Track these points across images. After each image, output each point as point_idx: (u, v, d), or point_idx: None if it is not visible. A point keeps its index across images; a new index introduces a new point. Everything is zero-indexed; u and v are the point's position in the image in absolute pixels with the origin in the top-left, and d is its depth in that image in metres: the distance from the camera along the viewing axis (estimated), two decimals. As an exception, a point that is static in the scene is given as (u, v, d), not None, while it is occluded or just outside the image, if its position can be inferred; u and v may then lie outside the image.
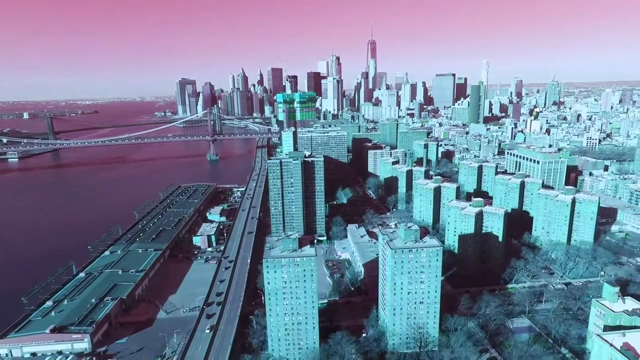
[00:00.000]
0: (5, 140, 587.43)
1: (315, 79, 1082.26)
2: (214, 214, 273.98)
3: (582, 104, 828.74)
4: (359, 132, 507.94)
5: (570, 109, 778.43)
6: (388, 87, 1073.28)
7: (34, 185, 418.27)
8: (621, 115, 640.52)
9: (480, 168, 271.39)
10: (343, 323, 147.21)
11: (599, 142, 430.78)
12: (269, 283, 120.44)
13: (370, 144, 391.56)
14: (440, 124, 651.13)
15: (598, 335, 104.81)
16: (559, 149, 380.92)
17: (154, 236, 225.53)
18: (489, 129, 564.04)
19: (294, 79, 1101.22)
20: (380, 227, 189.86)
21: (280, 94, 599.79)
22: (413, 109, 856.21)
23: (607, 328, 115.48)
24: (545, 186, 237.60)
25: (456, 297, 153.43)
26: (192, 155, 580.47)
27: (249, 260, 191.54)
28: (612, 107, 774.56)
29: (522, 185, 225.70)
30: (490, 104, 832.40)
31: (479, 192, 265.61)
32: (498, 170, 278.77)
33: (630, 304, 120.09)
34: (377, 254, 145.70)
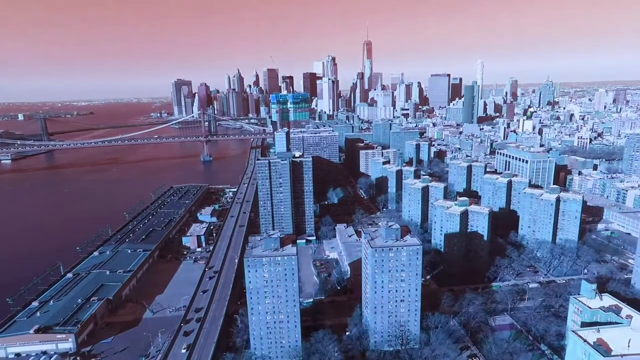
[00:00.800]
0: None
1: (311, 80, 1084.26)
2: (205, 215, 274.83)
3: (575, 104, 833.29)
4: (352, 132, 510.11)
5: (564, 108, 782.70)
6: (384, 88, 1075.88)
7: (26, 186, 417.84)
8: (614, 114, 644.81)
9: (469, 168, 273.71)
10: (327, 322, 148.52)
11: (590, 142, 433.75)
12: (250, 282, 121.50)
13: (362, 144, 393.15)
14: (434, 124, 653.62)
15: (573, 331, 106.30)
16: (549, 149, 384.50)
17: (143, 237, 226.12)
18: (482, 128, 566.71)
19: (289, 80, 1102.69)
20: (370, 226, 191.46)
21: (273, 95, 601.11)
22: (408, 109, 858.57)
23: (584, 324, 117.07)
24: (533, 185, 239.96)
25: (441, 295, 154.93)
26: (186, 156, 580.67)
27: (236, 260, 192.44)
28: (605, 107, 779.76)
29: (510, 185, 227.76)
30: (485, 104, 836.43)
31: (469, 192, 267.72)
32: (488, 169, 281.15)
33: (607, 300, 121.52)
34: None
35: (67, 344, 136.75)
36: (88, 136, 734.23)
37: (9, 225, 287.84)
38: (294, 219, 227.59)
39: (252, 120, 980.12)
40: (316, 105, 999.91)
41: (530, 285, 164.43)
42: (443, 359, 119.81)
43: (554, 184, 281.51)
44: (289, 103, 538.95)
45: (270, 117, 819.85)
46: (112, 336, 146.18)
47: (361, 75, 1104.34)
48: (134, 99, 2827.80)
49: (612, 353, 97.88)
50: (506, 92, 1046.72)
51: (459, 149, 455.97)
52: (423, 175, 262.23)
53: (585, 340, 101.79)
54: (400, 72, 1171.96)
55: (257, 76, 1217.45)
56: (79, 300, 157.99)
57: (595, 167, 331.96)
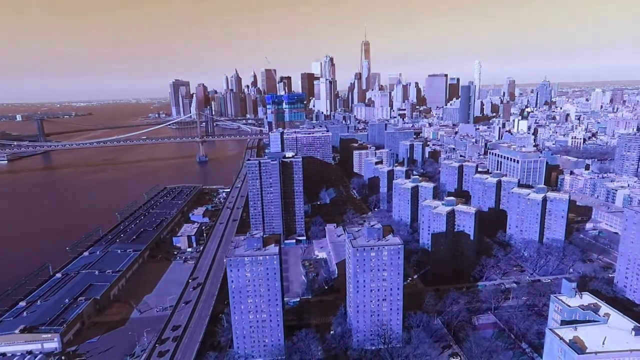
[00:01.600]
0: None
1: (309, 80, 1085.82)
2: (197, 215, 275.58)
3: (572, 104, 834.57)
4: (348, 132, 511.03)
5: (560, 108, 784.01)
6: (381, 88, 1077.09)
7: (20, 187, 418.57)
8: (609, 115, 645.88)
9: (460, 168, 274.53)
10: (313, 321, 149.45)
11: (584, 142, 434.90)
12: (232, 281, 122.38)
13: (356, 145, 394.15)
14: (430, 124, 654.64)
15: (550, 329, 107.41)
16: (542, 149, 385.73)
17: (134, 237, 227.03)
18: (478, 129, 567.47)
19: (287, 80, 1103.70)
20: (360, 226, 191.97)
21: (268, 95, 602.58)
22: (405, 110, 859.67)
23: (564, 323, 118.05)
24: (523, 185, 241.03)
25: (425, 295, 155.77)
26: (182, 156, 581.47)
27: (225, 260, 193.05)
28: (601, 107, 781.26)
29: (499, 185, 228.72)
30: (482, 104, 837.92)
31: (460, 192, 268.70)
32: (480, 170, 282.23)
33: (587, 299, 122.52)
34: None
35: (53, 344, 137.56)
36: (85, 137, 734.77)
37: (1, 226, 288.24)
38: (284, 219, 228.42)
39: (250, 121, 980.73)
40: (313, 106, 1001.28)
41: (507, 286, 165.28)
42: (424, 357, 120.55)
43: (545, 184, 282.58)
44: (284, 103, 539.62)
45: (267, 117, 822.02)
46: (99, 336, 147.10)
47: (359, 76, 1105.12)
48: (133, 99, 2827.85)
49: (587, 350, 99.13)
50: (503, 92, 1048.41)
51: (454, 149, 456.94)
52: (415, 175, 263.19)
53: (561, 338, 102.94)
54: (398, 73, 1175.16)
55: (255, 77, 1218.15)
56: (67, 300, 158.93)
57: (587, 167, 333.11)
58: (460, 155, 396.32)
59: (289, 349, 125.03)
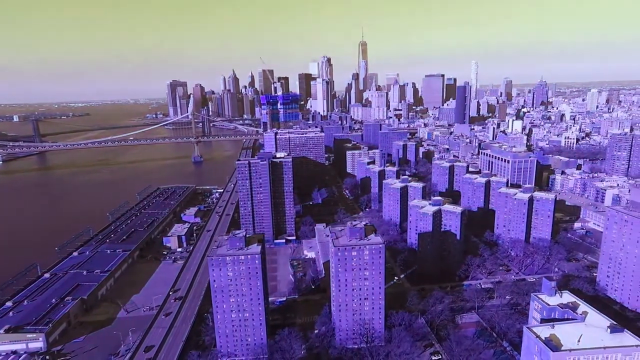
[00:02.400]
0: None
1: (306, 81, 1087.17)
2: (189, 215, 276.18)
3: (568, 104, 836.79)
4: (343, 132, 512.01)
5: (556, 109, 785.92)
6: (379, 88, 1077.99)
7: (14, 188, 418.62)
8: (605, 115, 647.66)
9: (452, 168, 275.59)
10: (298, 320, 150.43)
11: (577, 142, 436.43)
12: (214, 281, 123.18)
13: (349, 145, 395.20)
14: (426, 125, 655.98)
15: (527, 327, 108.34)
16: (535, 149, 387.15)
17: (124, 237, 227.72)
18: (473, 129, 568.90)
19: (285, 81, 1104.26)
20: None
21: (263, 96, 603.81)
22: (401, 110, 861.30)
23: (543, 321, 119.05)
24: (513, 185, 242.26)
25: (408, 294, 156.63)
26: (178, 157, 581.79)
27: (207, 259, 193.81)
28: (597, 107, 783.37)
29: (488, 184, 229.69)
30: (479, 105, 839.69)
31: (451, 192, 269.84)
32: (470, 169, 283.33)
33: (567, 297, 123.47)
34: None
35: (38, 344, 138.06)
36: (81, 137, 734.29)
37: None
38: (274, 219, 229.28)
39: (247, 121, 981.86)
40: (310, 106, 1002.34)
41: (483, 286, 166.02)
42: (405, 356, 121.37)
43: (536, 184, 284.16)
44: (278, 104, 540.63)
45: (263, 117, 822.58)
46: (84, 335, 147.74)
47: (356, 76, 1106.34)
48: (131, 100, 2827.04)
49: (562, 348, 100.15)
50: (501, 93, 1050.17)
51: (448, 149, 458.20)
52: (406, 175, 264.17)
53: (537, 336, 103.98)
54: (395, 73, 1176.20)
55: (252, 77, 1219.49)
56: (53, 300, 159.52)
57: (579, 167, 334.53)
58: (454, 156, 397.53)
59: (271, 347, 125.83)
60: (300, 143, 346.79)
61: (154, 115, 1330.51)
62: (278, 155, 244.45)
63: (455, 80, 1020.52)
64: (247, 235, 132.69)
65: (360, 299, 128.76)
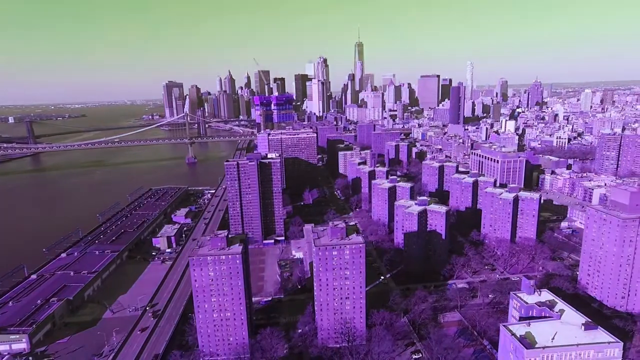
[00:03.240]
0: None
1: (302, 81, 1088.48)
2: (180, 216, 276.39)
3: (562, 104, 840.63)
4: (337, 133, 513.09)
5: (550, 109, 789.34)
6: (374, 89, 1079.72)
7: (6, 188, 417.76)
8: (598, 115, 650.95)
9: (441, 168, 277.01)
10: (282, 320, 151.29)
11: (569, 142, 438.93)
12: (196, 280, 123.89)
13: (342, 145, 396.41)
14: (420, 125, 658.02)
15: (504, 325, 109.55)
16: (525, 149, 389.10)
17: (113, 238, 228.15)
18: (467, 129, 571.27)
19: (281, 81, 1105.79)
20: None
21: (257, 97, 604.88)
22: (396, 110, 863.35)
23: (522, 319, 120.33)
24: (501, 185, 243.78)
25: (391, 293, 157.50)
26: (172, 158, 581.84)
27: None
28: (591, 107, 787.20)
29: (476, 184, 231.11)
30: (474, 105, 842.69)
31: (441, 192, 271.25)
32: (460, 170, 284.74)
33: (545, 296, 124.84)
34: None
35: (21, 345, 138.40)
36: (75, 139, 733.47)
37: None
38: (263, 220, 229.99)
39: (243, 122, 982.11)
40: (306, 107, 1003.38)
41: (459, 285, 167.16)
42: (384, 354, 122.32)
43: (526, 184, 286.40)
44: (272, 105, 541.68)
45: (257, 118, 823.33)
46: (69, 336, 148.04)
47: (352, 77, 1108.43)
48: (128, 101, 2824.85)
49: (536, 345, 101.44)
50: (496, 93, 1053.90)
51: (441, 149, 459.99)
52: (396, 175, 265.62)
53: (513, 334, 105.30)
54: (392, 74, 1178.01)
55: (248, 78, 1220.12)
56: (39, 301, 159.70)
57: (569, 167, 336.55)
58: (446, 156, 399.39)
59: (253, 347, 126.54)
60: (293, 144, 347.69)
61: (150, 117, 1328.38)
62: (269, 156, 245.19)
63: (450, 80, 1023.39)
64: (230, 236, 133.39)
65: (341, 298, 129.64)
